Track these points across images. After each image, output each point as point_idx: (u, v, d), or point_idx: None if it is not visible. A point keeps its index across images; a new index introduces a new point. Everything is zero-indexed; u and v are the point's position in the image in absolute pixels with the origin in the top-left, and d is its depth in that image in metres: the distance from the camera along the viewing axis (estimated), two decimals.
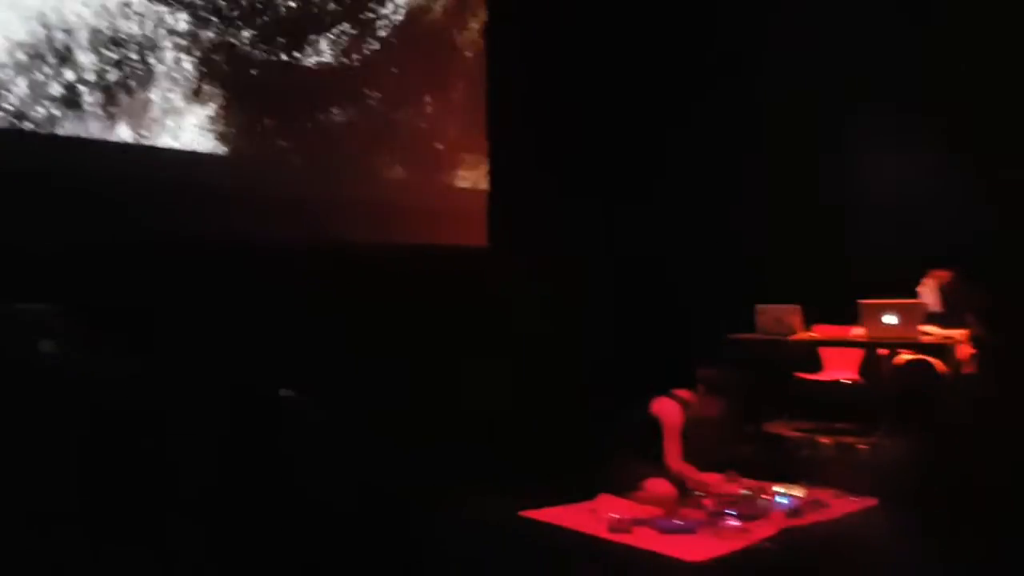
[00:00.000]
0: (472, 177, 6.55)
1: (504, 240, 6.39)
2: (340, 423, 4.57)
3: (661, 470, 3.82)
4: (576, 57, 6.70)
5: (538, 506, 3.69)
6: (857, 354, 5.31)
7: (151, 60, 5.07)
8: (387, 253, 5.79)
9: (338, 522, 3.49)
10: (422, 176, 6.30)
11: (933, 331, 4.75)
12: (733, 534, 3.28)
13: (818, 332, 5.24)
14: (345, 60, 5.95)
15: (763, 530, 3.31)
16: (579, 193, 6.66)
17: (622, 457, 3.93)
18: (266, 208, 5.46)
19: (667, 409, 3.81)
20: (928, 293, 4.98)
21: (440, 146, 6.44)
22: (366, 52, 6.05)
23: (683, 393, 3.91)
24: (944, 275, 4.96)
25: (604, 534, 3.31)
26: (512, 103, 6.53)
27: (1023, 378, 4.95)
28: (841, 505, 3.75)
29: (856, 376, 5.30)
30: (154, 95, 5.11)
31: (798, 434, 5.00)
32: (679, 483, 3.74)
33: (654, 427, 3.80)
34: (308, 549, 3.24)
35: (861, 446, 4.61)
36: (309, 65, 5.78)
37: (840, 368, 5.42)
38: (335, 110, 5.89)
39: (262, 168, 5.57)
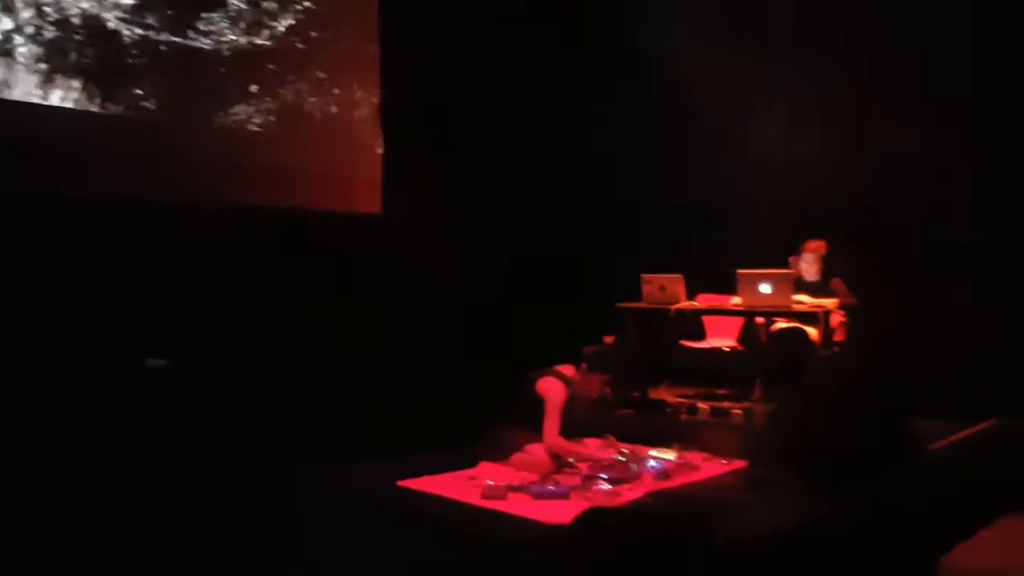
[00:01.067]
0: (367, 142, 6.41)
1: (398, 207, 6.30)
2: (216, 394, 4.46)
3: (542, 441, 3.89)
4: (473, 21, 6.63)
5: (418, 476, 3.70)
6: (738, 322, 5.52)
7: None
8: (277, 217, 5.63)
9: (206, 496, 3.41)
10: (315, 139, 6.12)
11: (806, 300, 4.97)
12: (603, 498, 3.36)
13: (701, 301, 5.40)
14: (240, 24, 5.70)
15: (632, 493, 3.41)
16: (475, 161, 6.64)
17: (504, 428, 3.98)
18: (152, 167, 5.22)
19: (550, 387, 3.86)
20: (803, 263, 5.20)
21: (334, 108, 6.26)
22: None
23: (566, 369, 3.96)
24: (819, 245, 5.17)
25: (478, 501, 3.35)
26: (407, 66, 6.42)
27: (888, 343, 5.26)
28: (711, 468, 3.89)
29: (735, 343, 5.50)
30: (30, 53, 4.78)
31: (679, 400, 5.17)
32: (558, 458, 3.82)
33: (539, 404, 3.85)
34: (175, 524, 3.16)
35: (736, 411, 4.80)
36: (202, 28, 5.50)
37: (722, 335, 5.62)
38: (222, 61, 5.63)
39: (148, 126, 5.29)
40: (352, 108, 6.34)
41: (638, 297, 5.42)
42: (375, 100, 6.38)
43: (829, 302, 4.94)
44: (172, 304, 4.84)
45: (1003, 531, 3.71)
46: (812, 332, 4.94)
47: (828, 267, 5.18)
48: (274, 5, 5.87)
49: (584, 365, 3.94)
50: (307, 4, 6.02)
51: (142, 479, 3.79)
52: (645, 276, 5.33)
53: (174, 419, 4.31)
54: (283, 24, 5.94)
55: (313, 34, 6.09)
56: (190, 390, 4.70)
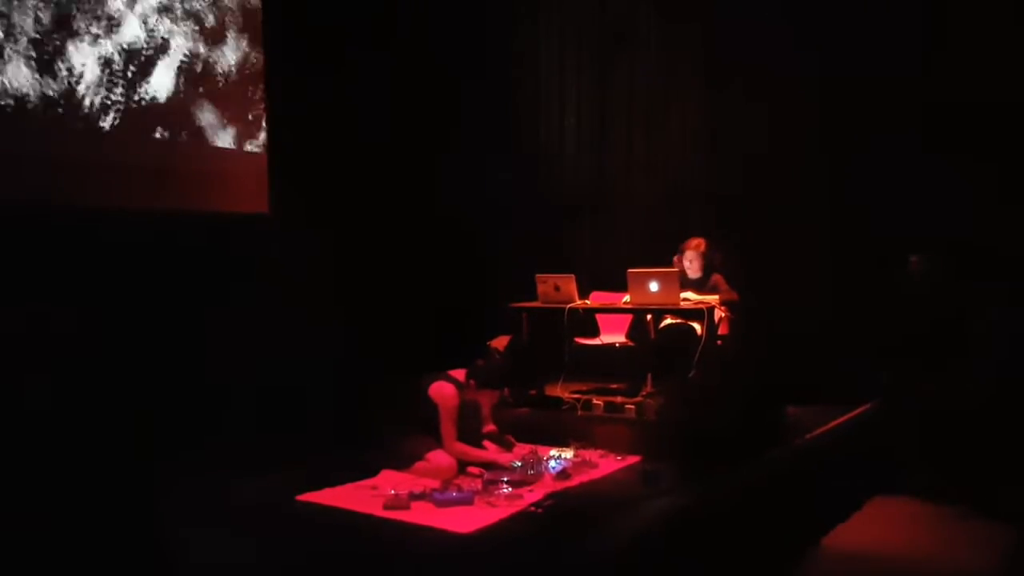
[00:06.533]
0: (252, 138, 6.20)
1: (286, 207, 6.14)
2: (98, 406, 4.23)
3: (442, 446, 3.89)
4: (359, 16, 6.53)
5: (318, 487, 3.62)
6: (628, 319, 5.70)
7: None
8: (155, 220, 5.36)
9: (84, 523, 3.23)
10: (195, 137, 5.86)
11: (691, 297, 5.18)
12: (506, 502, 3.40)
13: (594, 299, 5.55)
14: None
15: (534, 495, 3.46)
16: (367, 158, 6.55)
17: (404, 435, 3.95)
18: (11, 166, 4.87)
19: (443, 392, 3.86)
20: (685, 261, 5.41)
21: (216, 105, 6.01)
22: None
23: (458, 374, 3.96)
24: (699, 242, 5.40)
25: (380, 512, 3.31)
26: (292, 61, 6.25)
27: (768, 336, 5.56)
28: (607, 464, 3.99)
29: (626, 339, 5.68)
30: None
31: (575, 396, 5.29)
32: (460, 462, 3.83)
33: (432, 409, 3.84)
34: (44, 556, 2.97)
35: (628, 406, 4.96)
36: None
37: (615, 332, 5.79)
38: (92, 56, 5.29)
39: (10, 124, 4.91)
40: (238, 104, 6.11)
41: (525, 297, 5.53)
42: (261, 98, 6.19)
43: (712, 298, 5.17)
44: (49, 312, 4.56)
45: (875, 512, 4.02)
46: (697, 327, 5.15)
47: (708, 263, 5.42)
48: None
49: (473, 382, 3.96)
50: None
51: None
52: (540, 276, 5.43)
53: (51, 431, 4.07)
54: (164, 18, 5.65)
55: (196, 28, 5.83)
56: (66, 400, 4.44)
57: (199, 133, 5.86)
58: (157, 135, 5.61)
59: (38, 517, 3.37)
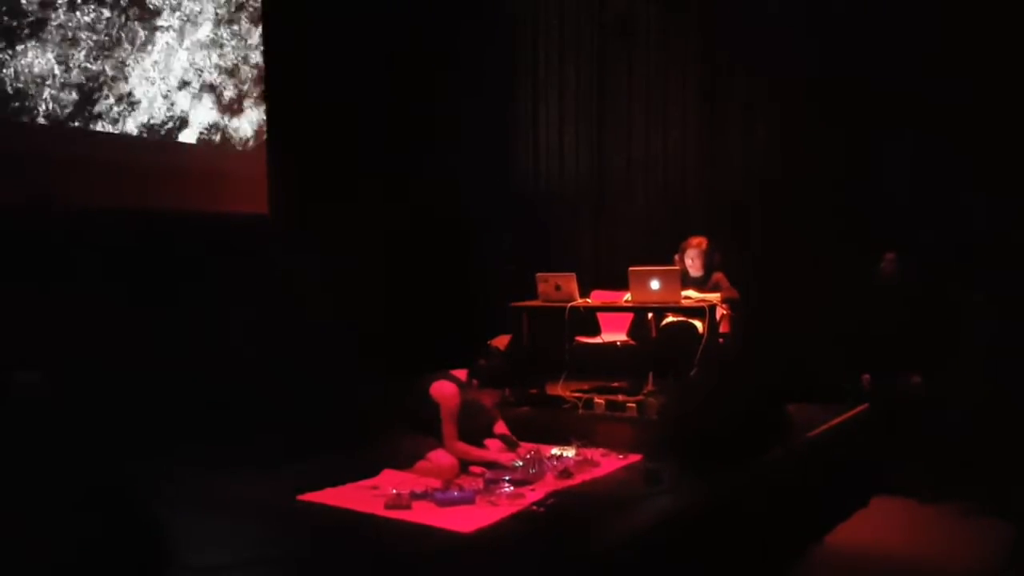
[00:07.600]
0: (250, 138, 6.19)
1: (286, 207, 6.13)
2: (92, 410, 4.22)
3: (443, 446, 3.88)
4: (356, 17, 6.53)
5: (319, 487, 3.62)
6: (629, 317, 5.71)
7: None
8: (155, 220, 5.35)
9: (81, 523, 3.21)
10: (191, 135, 5.86)
11: (693, 295, 5.18)
12: (507, 500, 3.39)
13: (595, 298, 5.55)
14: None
15: (535, 494, 3.45)
16: (367, 157, 6.55)
17: (405, 435, 3.94)
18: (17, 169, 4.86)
19: (444, 392, 3.85)
20: (687, 259, 5.41)
21: (215, 103, 6.01)
22: None
23: (460, 374, 3.96)
24: (700, 241, 5.40)
25: (382, 512, 3.31)
26: (292, 62, 6.25)
27: (769, 335, 5.56)
28: (609, 463, 3.99)
29: (627, 338, 5.68)
30: None
31: (576, 395, 5.29)
32: (462, 461, 3.82)
33: (433, 408, 3.83)
34: (38, 554, 2.95)
35: (630, 404, 4.96)
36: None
37: (616, 331, 5.80)
38: (80, 51, 5.29)
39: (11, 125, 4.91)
40: (237, 107, 6.11)
41: (525, 297, 5.52)
42: (261, 96, 6.19)
43: (713, 296, 5.17)
44: (49, 313, 4.55)
45: (875, 511, 4.02)
46: (699, 325, 5.15)
47: (710, 262, 5.42)
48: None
49: (475, 381, 3.95)
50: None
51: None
52: (540, 275, 5.43)
53: (51, 433, 4.05)
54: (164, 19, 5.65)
55: (197, 30, 5.83)
56: (66, 400, 4.43)
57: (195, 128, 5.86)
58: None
59: (37, 517, 3.37)
